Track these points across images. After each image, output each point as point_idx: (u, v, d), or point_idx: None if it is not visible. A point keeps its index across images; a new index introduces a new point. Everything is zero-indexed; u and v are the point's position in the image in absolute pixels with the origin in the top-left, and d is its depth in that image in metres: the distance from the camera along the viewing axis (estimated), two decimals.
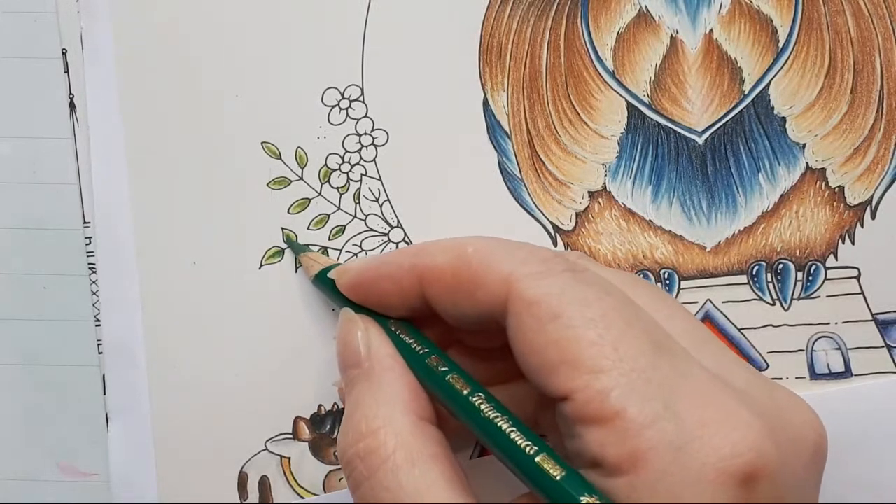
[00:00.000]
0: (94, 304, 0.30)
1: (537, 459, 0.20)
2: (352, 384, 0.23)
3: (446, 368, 0.22)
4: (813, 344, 0.29)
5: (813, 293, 0.29)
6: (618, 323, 0.20)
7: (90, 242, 0.30)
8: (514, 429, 0.21)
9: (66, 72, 0.30)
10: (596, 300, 0.21)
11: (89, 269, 0.30)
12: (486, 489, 0.27)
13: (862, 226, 0.29)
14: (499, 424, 0.21)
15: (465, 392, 0.22)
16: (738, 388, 0.20)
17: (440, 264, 0.23)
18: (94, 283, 0.30)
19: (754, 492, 0.19)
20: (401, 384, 0.22)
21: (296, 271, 0.29)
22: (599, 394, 0.19)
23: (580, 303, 0.21)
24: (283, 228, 0.29)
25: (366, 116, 0.30)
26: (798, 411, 0.21)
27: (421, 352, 0.23)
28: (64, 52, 0.30)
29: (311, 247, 0.29)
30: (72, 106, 0.30)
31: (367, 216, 0.30)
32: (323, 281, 0.27)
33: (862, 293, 0.29)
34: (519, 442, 0.20)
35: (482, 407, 0.21)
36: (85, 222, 0.30)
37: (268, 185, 0.30)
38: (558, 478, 0.19)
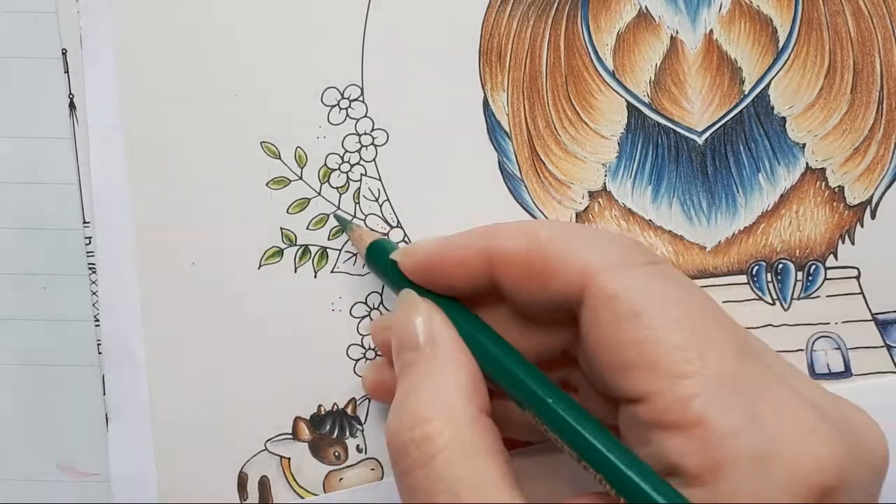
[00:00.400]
0: (93, 304, 0.29)
1: (627, 470, 0.19)
2: (409, 367, 0.22)
3: (515, 359, 0.22)
4: (813, 344, 0.29)
5: (813, 293, 0.29)
6: (701, 326, 0.20)
7: (90, 242, 0.30)
8: (596, 432, 0.20)
9: (66, 72, 0.30)
10: (679, 299, 0.20)
11: (89, 269, 0.30)
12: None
13: (862, 226, 0.29)
14: (581, 429, 0.20)
15: (540, 390, 0.21)
16: (809, 398, 0.20)
17: (512, 250, 0.22)
18: (94, 283, 0.29)
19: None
20: (464, 372, 0.21)
21: (295, 271, 0.29)
22: (681, 400, 0.18)
23: (663, 301, 0.20)
24: (282, 228, 0.29)
25: (365, 116, 0.30)
26: (866, 425, 0.21)
27: (487, 342, 0.22)
28: (64, 52, 0.30)
29: (356, 221, 0.29)
30: (72, 106, 0.30)
31: (366, 216, 0.29)
32: (376, 258, 0.26)
33: (862, 293, 0.29)
34: (602, 447, 0.20)
35: (558, 406, 0.20)
36: (85, 222, 0.30)
37: (267, 184, 0.29)
38: (647, 487, 0.19)
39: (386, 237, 0.28)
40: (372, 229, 0.29)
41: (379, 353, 0.29)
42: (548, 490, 0.26)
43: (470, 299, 0.24)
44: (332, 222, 0.29)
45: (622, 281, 0.20)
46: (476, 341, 0.22)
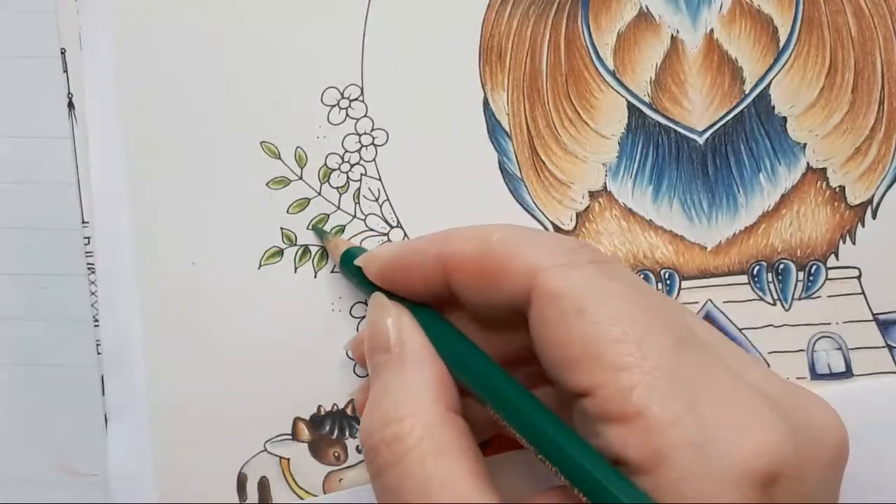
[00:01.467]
0: (93, 305, 0.29)
1: (576, 456, 0.19)
2: (380, 369, 0.22)
3: (481, 360, 0.22)
4: (814, 344, 0.28)
5: (814, 293, 0.29)
6: (643, 320, 0.20)
7: (89, 242, 0.29)
8: (559, 431, 0.20)
9: (65, 71, 0.30)
10: (621, 295, 0.20)
11: (88, 269, 0.29)
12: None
13: (863, 226, 0.29)
14: (544, 427, 0.20)
15: (505, 388, 0.21)
16: (759, 388, 0.20)
17: (464, 253, 0.22)
18: (93, 283, 0.29)
19: (775, 492, 0.18)
20: (431, 372, 0.22)
21: (295, 271, 0.29)
22: (621, 391, 0.19)
23: (605, 297, 0.20)
24: (282, 228, 0.29)
25: (365, 116, 0.29)
26: (819, 412, 0.21)
27: (453, 342, 0.23)
28: (63, 52, 0.30)
29: (331, 234, 0.29)
30: (70, 105, 0.30)
31: (366, 216, 0.29)
32: (348, 266, 0.26)
33: (863, 293, 0.28)
34: (554, 436, 0.20)
35: (524, 405, 0.21)
36: (84, 222, 0.29)
37: (267, 184, 0.29)
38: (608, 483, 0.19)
39: (359, 246, 0.28)
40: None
41: None
42: (526, 490, 0.25)
43: (437, 305, 0.24)
44: (333, 222, 0.29)
45: (566, 279, 0.20)
46: (441, 341, 0.23)
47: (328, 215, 0.29)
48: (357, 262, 0.25)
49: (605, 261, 0.22)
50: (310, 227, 0.29)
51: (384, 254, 0.24)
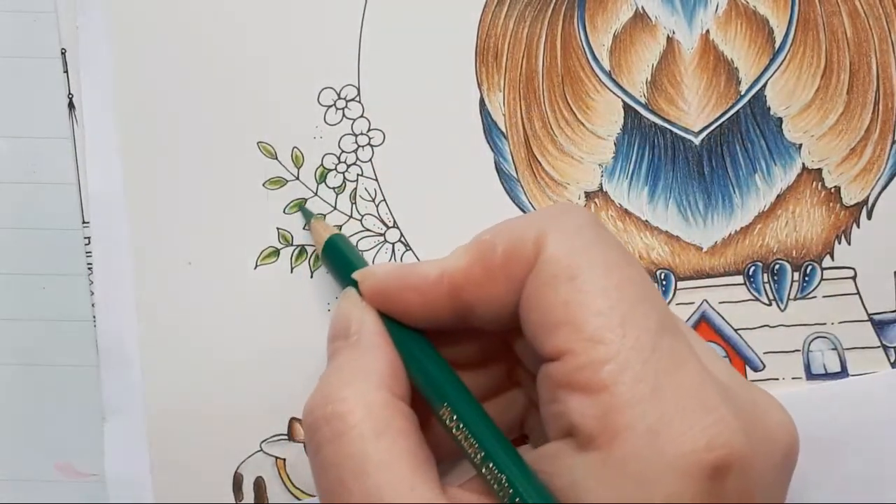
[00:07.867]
0: (93, 305, 0.27)
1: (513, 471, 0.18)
2: (335, 353, 0.21)
3: (432, 358, 0.21)
4: (809, 344, 0.27)
5: (809, 293, 0.27)
6: (631, 296, 0.18)
7: (89, 242, 0.27)
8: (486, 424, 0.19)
9: (66, 71, 0.28)
10: (615, 267, 0.19)
11: (88, 269, 0.27)
12: None
13: (858, 226, 0.27)
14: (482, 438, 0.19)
15: (445, 385, 0.20)
16: (722, 381, 0.19)
17: (467, 264, 0.20)
18: (93, 283, 0.27)
19: (722, 486, 0.17)
20: (382, 359, 0.21)
21: (291, 271, 0.27)
22: (593, 363, 0.18)
23: (599, 267, 0.19)
24: (278, 229, 0.27)
25: (362, 116, 0.27)
26: (773, 412, 0.20)
27: (410, 338, 0.21)
28: (63, 52, 0.28)
29: (315, 217, 0.27)
30: (71, 106, 0.28)
31: (363, 216, 0.27)
32: (330, 254, 0.25)
33: (858, 293, 0.27)
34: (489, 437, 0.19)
35: (465, 412, 0.20)
36: (84, 222, 0.28)
37: (264, 185, 0.27)
38: None
39: (342, 234, 0.26)
40: (375, 229, 0.27)
41: None
42: None
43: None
44: (329, 223, 0.27)
45: (566, 243, 0.19)
46: (400, 336, 0.21)
47: (324, 216, 0.27)
48: (354, 275, 0.23)
49: (605, 230, 0.20)
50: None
51: (381, 272, 0.22)
